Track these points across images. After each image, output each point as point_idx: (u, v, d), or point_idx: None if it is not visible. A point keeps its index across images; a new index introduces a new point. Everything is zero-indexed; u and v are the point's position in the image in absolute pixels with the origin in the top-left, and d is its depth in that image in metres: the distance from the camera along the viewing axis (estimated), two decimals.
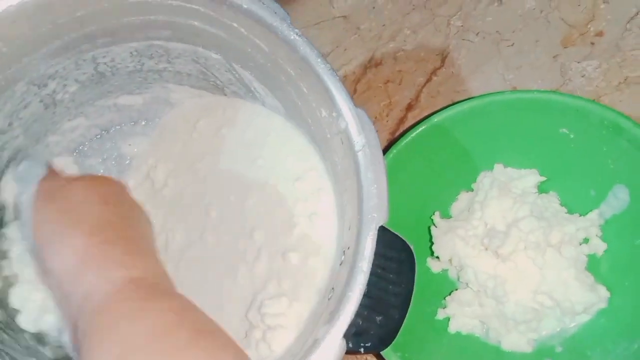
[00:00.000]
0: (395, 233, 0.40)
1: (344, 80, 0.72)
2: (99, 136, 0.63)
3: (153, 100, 0.61)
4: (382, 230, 0.38)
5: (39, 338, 0.51)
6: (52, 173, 0.48)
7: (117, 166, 0.62)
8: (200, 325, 0.35)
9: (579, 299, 0.51)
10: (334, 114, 0.39)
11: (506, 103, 0.55)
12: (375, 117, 0.70)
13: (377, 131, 0.68)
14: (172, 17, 0.42)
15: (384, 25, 0.73)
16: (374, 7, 0.74)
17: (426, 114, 0.67)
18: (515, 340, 0.52)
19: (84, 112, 0.60)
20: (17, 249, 0.47)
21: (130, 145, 0.62)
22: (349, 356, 0.60)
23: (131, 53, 0.50)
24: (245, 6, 0.38)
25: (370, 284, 0.38)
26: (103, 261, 0.38)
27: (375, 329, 0.38)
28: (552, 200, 0.56)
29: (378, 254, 0.37)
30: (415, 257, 0.40)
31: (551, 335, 0.53)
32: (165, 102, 0.61)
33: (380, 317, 0.39)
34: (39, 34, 0.43)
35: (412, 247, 0.40)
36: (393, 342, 0.44)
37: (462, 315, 0.54)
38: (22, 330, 0.50)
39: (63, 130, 0.60)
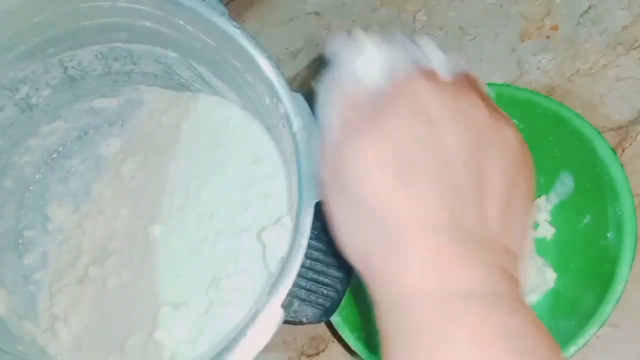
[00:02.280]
0: None
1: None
2: (77, 138, 0.65)
3: (127, 102, 0.63)
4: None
5: None
6: None
7: (96, 166, 0.65)
8: None
9: (528, 281, 0.53)
10: (274, 100, 0.41)
11: None
12: None
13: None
14: (125, 18, 0.45)
15: (353, 21, 0.75)
16: (344, 4, 0.76)
17: None
18: None
19: (62, 116, 0.62)
20: None
21: (107, 145, 0.65)
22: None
23: (96, 56, 0.53)
24: (186, 4, 0.41)
25: (312, 258, 0.40)
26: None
27: (317, 300, 0.40)
28: None
29: (320, 230, 0.40)
30: None
31: None
32: (139, 104, 0.63)
33: (322, 289, 0.41)
34: (3, 40, 0.45)
35: None
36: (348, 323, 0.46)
37: None
38: None
39: (42, 133, 0.62)
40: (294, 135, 0.40)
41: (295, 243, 0.38)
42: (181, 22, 0.43)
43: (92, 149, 0.65)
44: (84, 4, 0.43)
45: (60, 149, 0.65)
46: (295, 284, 0.38)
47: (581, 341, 0.46)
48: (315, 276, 0.41)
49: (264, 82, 0.41)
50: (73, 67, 0.54)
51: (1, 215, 0.62)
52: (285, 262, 0.38)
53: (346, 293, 0.42)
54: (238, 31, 0.40)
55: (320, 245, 0.41)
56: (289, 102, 0.40)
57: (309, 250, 0.39)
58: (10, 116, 0.57)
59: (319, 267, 0.41)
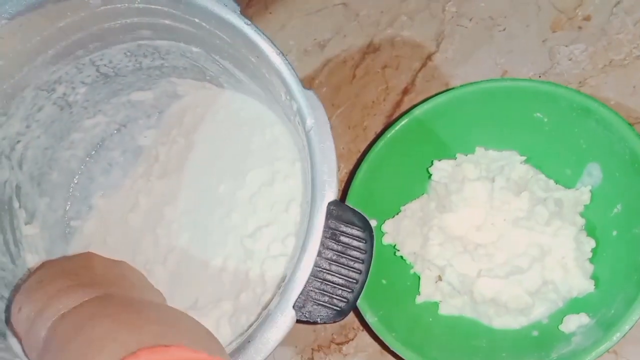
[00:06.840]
0: (355, 209, 0.37)
1: (343, 65, 0.69)
2: (117, 130, 0.63)
3: (163, 94, 0.61)
4: (339, 206, 0.36)
5: None
6: None
7: (135, 157, 0.62)
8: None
9: (575, 286, 0.48)
10: (288, 97, 0.37)
11: (482, 92, 0.52)
12: (373, 101, 0.67)
13: (374, 115, 0.67)
14: (143, 18, 0.42)
15: (382, 11, 0.70)
16: None
17: (421, 97, 0.64)
18: (507, 321, 0.49)
19: (102, 110, 0.60)
20: None
21: (146, 137, 0.63)
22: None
23: (125, 54, 0.50)
24: (198, 2, 0.37)
25: (327, 258, 0.36)
26: None
27: (331, 300, 0.36)
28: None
29: (336, 230, 0.36)
30: (374, 231, 0.37)
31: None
32: (174, 95, 0.60)
33: (337, 289, 0.36)
34: (30, 46, 0.42)
35: (370, 221, 0.37)
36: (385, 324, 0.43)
37: (450, 301, 0.50)
38: None
39: (85, 127, 0.60)
40: (307, 133, 0.35)
41: (307, 243, 0.34)
42: (197, 20, 0.39)
43: (131, 141, 0.63)
44: (103, 6, 0.39)
45: (102, 142, 0.63)
46: (309, 284, 0.35)
47: (626, 327, 0.42)
48: (329, 277, 0.37)
49: (278, 78, 0.37)
50: (105, 65, 0.52)
51: (51, 206, 0.60)
52: (297, 262, 0.34)
53: (381, 291, 0.37)
54: (249, 27, 0.36)
55: (334, 245, 0.36)
56: (302, 99, 0.36)
57: (323, 250, 0.35)
58: (51, 114, 0.54)
59: (334, 267, 0.37)
